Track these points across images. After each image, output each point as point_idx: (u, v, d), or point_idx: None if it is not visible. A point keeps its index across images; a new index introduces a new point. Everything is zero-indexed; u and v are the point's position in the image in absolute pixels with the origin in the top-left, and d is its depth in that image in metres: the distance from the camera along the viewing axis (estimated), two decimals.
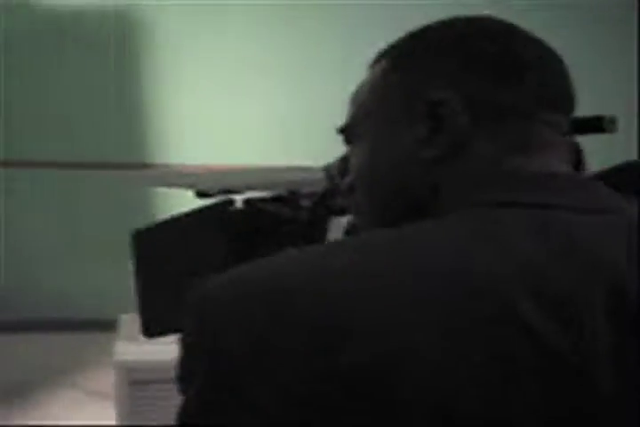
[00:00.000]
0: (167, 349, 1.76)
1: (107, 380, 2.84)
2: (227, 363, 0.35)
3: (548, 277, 0.36)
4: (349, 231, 0.86)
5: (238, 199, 1.03)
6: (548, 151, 0.48)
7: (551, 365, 0.35)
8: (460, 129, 0.46)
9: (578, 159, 0.85)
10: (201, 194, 1.36)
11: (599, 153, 1.88)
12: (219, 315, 0.37)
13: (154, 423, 1.83)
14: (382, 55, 0.53)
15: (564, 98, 0.50)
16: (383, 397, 0.33)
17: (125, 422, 1.89)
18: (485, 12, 3.35)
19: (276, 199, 1.02)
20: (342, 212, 0.90)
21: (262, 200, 1.03)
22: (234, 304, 0.36)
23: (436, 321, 0.34)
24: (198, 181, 1.34)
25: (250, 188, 1.28)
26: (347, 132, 0.57)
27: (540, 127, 0.48)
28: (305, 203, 0.97)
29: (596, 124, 0.85)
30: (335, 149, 2.01)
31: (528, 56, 0.48)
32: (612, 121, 0.84)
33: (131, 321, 2.19)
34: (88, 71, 3.94)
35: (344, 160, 0.67)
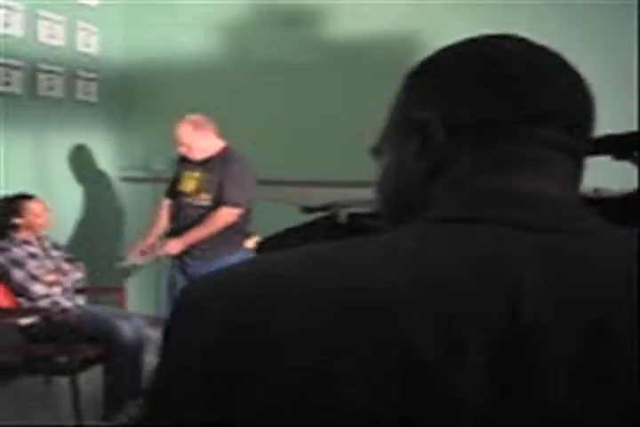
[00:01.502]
0: None
1: None
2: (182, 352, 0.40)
3: (448, 297, 0.36)
4: None
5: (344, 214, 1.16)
6: (526, 168, 0.46)
7: (419, 376, 0.35)
8: (438, 147, 0.48)
9: None
10: (306, 209, 1.50)
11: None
12: (187, 311, 0.41)
13: None
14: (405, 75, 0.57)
15: (566, 112, 0.47)
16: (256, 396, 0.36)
17: None
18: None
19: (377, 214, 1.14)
20: None
21: (367, 215, 1.15)
22: (195, 305, 0.41)
23: (318, 337, 0.36)
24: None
25: (349, 204, 1.39)
26: (376, 151, 0.57)
27: (524, 143, 0.47)
28: None
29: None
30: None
31: (517, 71, 0.47)
32: None
33: None
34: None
35: None
